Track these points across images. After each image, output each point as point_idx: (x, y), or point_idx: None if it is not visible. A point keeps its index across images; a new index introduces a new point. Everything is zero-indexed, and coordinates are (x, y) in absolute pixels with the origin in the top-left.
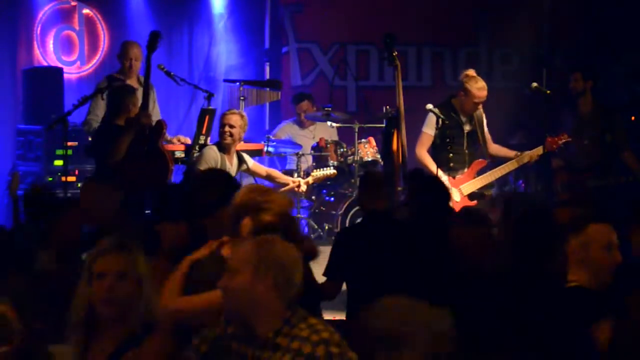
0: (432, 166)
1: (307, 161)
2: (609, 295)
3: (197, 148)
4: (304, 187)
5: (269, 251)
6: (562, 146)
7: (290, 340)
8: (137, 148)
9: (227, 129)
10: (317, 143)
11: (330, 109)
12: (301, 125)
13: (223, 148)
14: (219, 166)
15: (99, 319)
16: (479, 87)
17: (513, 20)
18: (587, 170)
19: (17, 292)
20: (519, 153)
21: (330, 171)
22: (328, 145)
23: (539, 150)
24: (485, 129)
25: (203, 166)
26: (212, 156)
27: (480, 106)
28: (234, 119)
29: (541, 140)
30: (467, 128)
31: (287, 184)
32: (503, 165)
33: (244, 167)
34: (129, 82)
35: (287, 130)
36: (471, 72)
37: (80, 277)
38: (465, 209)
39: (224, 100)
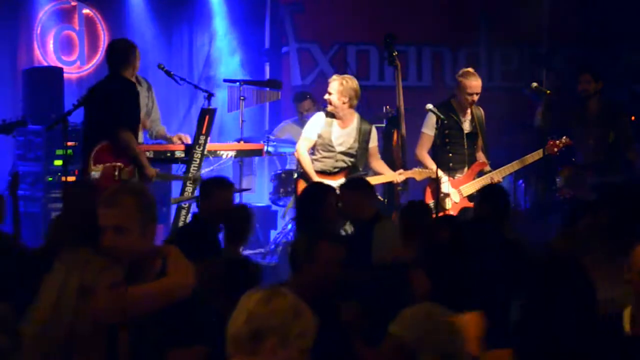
0: (433, 166)
1: None
2: None
3: (197, 148)
4: (401, 178)
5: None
6: (562, 149)
7: None
8: None
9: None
10: None
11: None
12: (302, 124)
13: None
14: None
15: None
16: (473, 80)
17: (513, 21)
18: (590, 167)
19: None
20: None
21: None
22: None
23: (539, 153)
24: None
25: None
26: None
27: (481, 108)
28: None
29: (534, 140)
30: (467, 128)
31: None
32: (504, 167)
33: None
34: None
35: (288, 130)
36: (467, 69)
37: None
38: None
39: (224, 100)
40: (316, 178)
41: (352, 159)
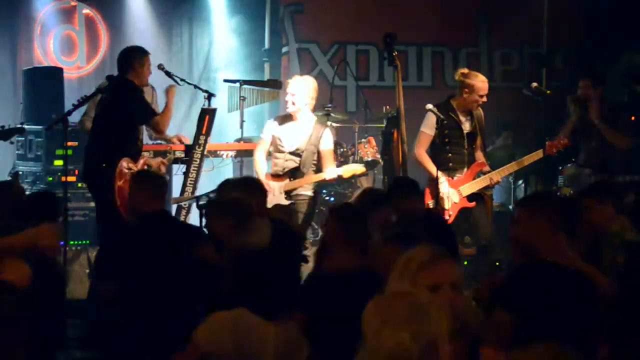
0: (431, 166)
1: None
2: None
3: (197, 148)
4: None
5: None
6: (561, 150)
7: None
8: None
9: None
10: None
11: (330, 109)
12: None
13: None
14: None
15: None
16: (482, 80)
17: (513, 20)
18: (591, 167)
19: None
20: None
21: (359, 168)
22: None
23: (538, 154)
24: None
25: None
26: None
27: (480, 109)
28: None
29: (533, 140)
30: (466, 128)
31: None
32: (503, 168)
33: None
34: None
35: None
36: (466, 69)
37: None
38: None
39: (224, 100)
40: (260, 178)
41: (299, 160)
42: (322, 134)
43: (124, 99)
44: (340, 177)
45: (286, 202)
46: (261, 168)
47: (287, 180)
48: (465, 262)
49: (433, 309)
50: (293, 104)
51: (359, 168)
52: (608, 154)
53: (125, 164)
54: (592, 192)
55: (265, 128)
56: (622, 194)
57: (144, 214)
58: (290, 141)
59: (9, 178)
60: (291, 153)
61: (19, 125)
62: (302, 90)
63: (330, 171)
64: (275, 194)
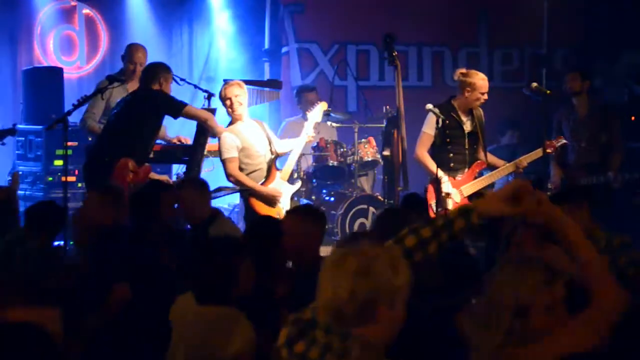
0: (433, 166)
1: (307, 161)
2: None
3: (197, 148)
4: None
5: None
6: (558, 148)
7: None
8: None
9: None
10: (317, 143)
11: (330, 109)
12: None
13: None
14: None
15: None
16: (482, 78)
17: (513, 21)
18: (583, 168)
19: None
20: (507, 163)
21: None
22: (328, 145)
23: (537, 153)
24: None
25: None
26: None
27: (480, 108)
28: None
29: (533, 140)
30: (467, 128)
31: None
32: (503, 167)
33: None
34: (129, 84)
35: (291, 128)
36: (464, 69)
37: None
38: None
39: None
40: (265, 189)
41: (271, 155)
42: (263, 124)
43: (154, 102)
44: (317, 126)
45: (295, 188)
46: (253, 181)
47: (279, 173)
48: None
49: (380, 264)
50: (240, 104)
51: (322, 105)
52: (598, 154)
53: (130, 164)
54: (568, 198)
55: (229, 147)
56: (596, 196)
57: (102, 232)
58: (261, 143)
59: (9, 178)
60: (265, 153)
61: (11, 127)
62: (245, 93)
63: (306, 129)
64: (284, 191)
